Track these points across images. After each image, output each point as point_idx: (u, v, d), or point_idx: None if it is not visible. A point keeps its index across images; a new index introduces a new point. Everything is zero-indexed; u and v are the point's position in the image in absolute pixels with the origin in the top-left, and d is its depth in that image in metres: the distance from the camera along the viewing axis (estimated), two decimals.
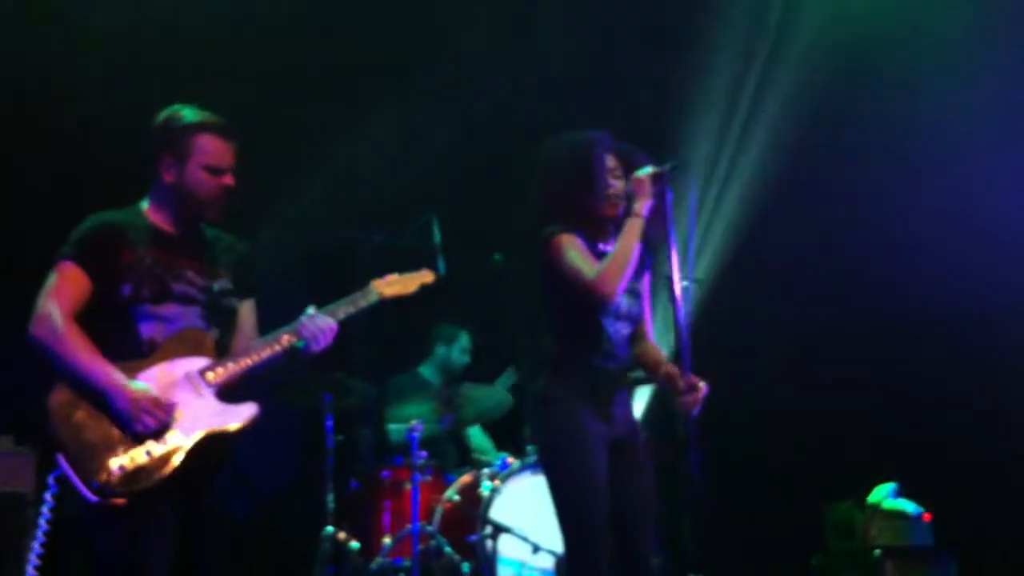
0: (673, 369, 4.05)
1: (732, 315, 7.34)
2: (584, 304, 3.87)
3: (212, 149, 3.51)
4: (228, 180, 3.53)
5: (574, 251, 3.86)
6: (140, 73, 6.11)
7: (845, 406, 7.09)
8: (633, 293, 4.05)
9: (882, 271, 7.17)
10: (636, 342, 4.14)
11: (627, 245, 3.82)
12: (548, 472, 3.97)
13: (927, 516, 6.38)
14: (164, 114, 3.57)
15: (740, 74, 7.22)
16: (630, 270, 3.82)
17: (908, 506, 6.38)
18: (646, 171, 3.92)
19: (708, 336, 7.19)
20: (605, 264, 3.79)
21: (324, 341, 3.55)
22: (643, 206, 3.87)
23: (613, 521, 3.85)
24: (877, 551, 6.15)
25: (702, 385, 3.95)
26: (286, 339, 3.52)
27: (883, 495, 6.45)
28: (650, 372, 4.19)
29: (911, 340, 7.00)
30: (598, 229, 4.02)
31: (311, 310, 3.58)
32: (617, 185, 3.99)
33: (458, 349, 6.83)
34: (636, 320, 4.08)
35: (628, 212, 3.90)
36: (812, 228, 7.28)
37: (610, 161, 4.03)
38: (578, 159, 3.99)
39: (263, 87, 6.62)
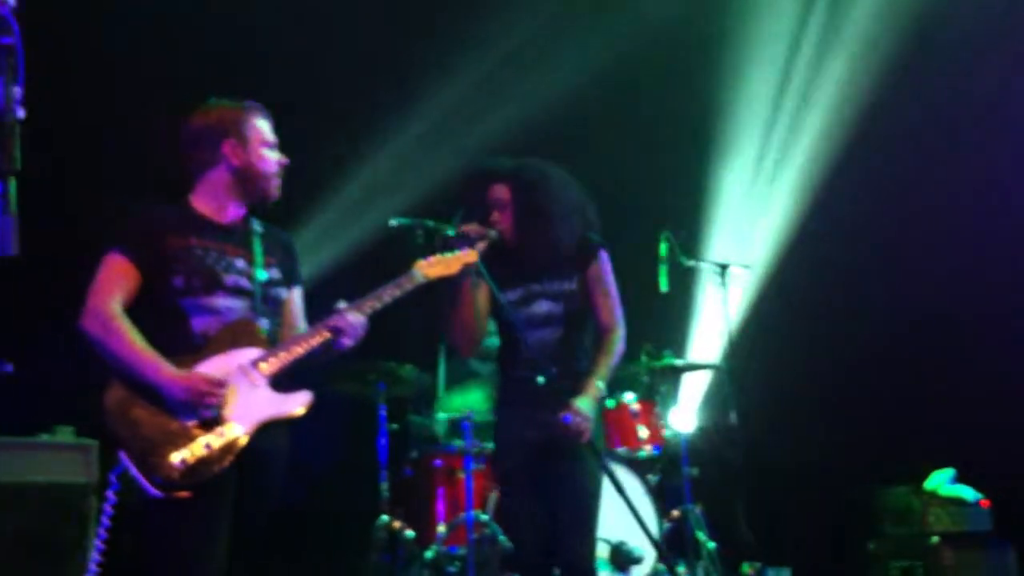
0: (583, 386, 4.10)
1: (787, 300, 7.31)
2: (503, 323, 4.22)
3: (267, 128, 3.63)
4: (283, 156, 3.65)
5: None
6: (186, 70, 6.17)
7: (902, 391, 7.03)
8: (552, 297, 4.16)
9: (942, 255, 7.10)
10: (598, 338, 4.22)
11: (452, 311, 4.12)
12: None
13: (985, 502, 6.32)
14: (208, 105, 3.63)
15: (791, 60, 7.17)
16: (463, 330, 4.15)
17: (966, 492, 6.32)
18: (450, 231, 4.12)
19: (762, 321, 7.21)
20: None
21: (354, 336, 3.57)
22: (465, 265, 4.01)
23: (550, 519, 4.02)
24: (935, 537, 6.10)
25: (570, 412, 3.94)
26: (323, 332, 3.54)
27: (941, 481, 6.39)
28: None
29: (971, 324, 6.92)
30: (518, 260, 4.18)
31: (342, 304, 3.60)
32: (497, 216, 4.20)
33: None
34: (561, 321, 4.14)
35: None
36: (869, 211, 7.22)
37: (498, 192, 4.20)
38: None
39: (314, 77, 6.65)
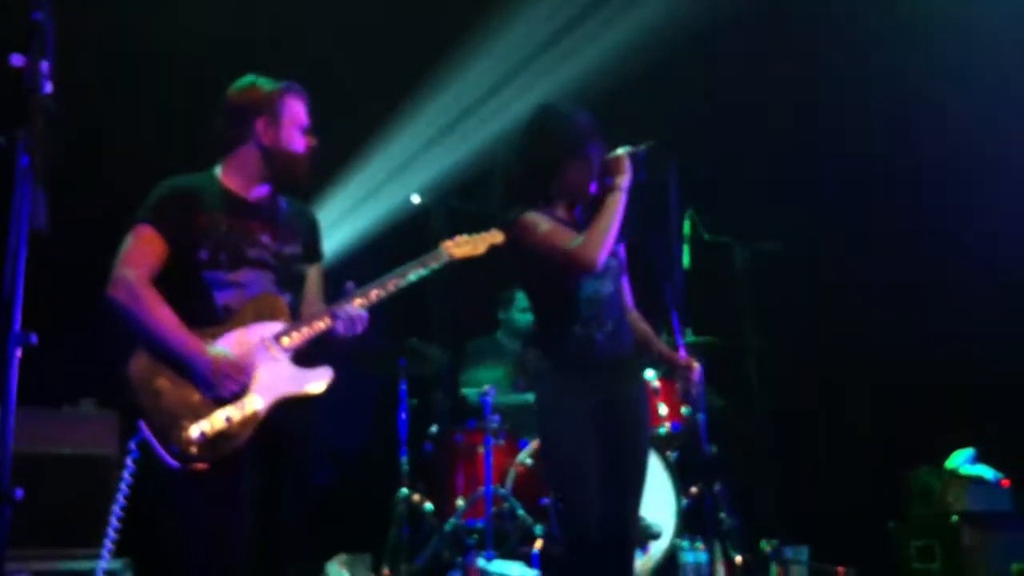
0: (666, 349, 4.13)
1: (807, 279, 7.30)
2: (559, 275, 3.89)
3: (301, 110, 3.62)
4: (313, 139, 3.64)
5: (546, 225, 3.89)
6: (207, 45, 6.19)
7: (923, 370, 7.01)
8: (613, 254, 4.03)
9: (976, 234, 7.07)
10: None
11: (611, 216, 3.84)
12: (542, 445, 4.08)
13: (1006, 482, 6.30)
14: (246, 82, 3.64)
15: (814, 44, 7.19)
16: (612, 241, 3.84)
17: (986, 471, 6.31)
18: (624, 150, 3.96)
19: (783, 301, 7.19)
20: (589, 234, 3.82)
21: (354, 329, 3.55)
22: (624, 181, 3.90)
23: (601, 481, 3.82)
24: (954, 516, 6.09)
25: (696, 364, 4.02)
26: (326, 320, 3.53)
27: (961, 460, 6.38)
28: (640, 348, 4.13)
29: (990, 305, 6.89)
30: (566, 206, 4.05)
31: (350, 285, 3.59)
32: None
33: (516, 310, 6.81)
34: (617, 277, 4.05)
35: (608, 187, 3.92)
36: (895, 191, 7.19)
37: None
38: (576, 137, 3.98)
39: (333, 53, 6.66)
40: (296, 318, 3.55)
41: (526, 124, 4.09)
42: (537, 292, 4.02)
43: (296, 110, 3.60)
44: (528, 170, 4.00)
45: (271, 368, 3.42)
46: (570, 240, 3.84)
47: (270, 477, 3.39)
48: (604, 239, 3.80)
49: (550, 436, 3.92)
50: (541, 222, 3.89)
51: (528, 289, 4.09)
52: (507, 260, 4.00)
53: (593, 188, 3.97)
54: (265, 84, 3.62)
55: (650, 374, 6.07)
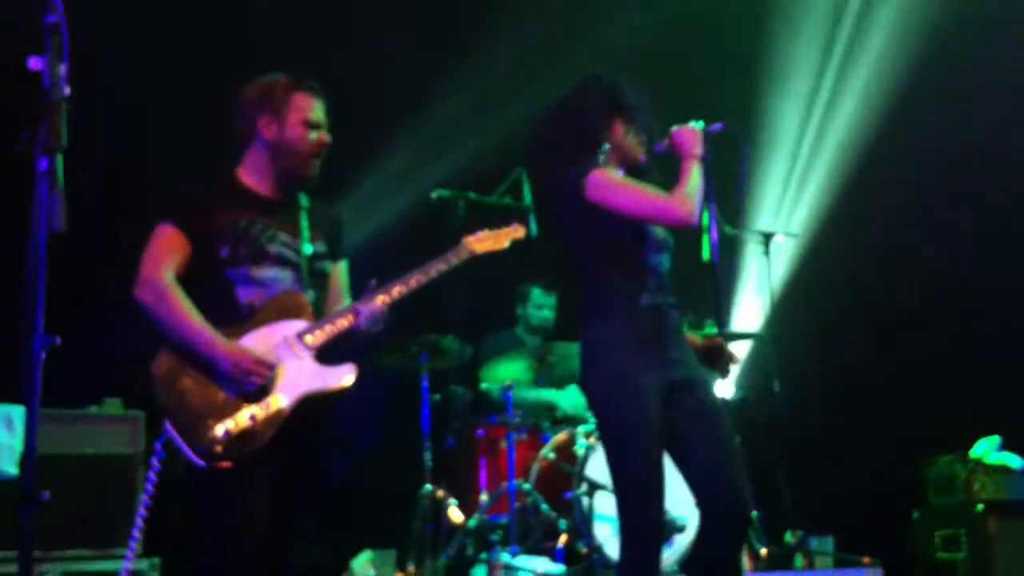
0: (696, 340, 3.89)
1: (832, 267, 7.28)
2: (625, 239, 3.64)
3: (308, 105, 3.56)
4: (324, 136, 3.58)
5: (625, 181, 3.68)
6: (228, 43, 6.20)
7: (948, 359, 6.98)
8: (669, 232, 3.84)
9: (988, 219, 7.04)
10: None
11: (696, 179, 3.61)
12: (599, 423, 3.76)
13: None
14: (258, 80, 3.63)
15: (828, 42, 7.18)
16: (702, 202, 3.62)
17: (1012, 460, 6.28)
18: (698, 125, 3.76)
19: (808, 289, 7.18)
20: (680, 190, 3.57)
21: (377, 326, 3.52)
22: (697, 151, 3.67)
23: (692, 469, 3.58)
24: (980, 505, 6.07)
25: (733, 351, 3.87)
26: (349, 318, 3.51)
27: (986, 449, 6.35)
28: None
29: (1017, 289, 6.86)
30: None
31: (372, 283, 3.57)
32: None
33: (532, 306, 6.80)
34: (671, 251, 3.80)
35: (683, 156, 3.68)
36: (912, 178, 7.17)
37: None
38: (621, 96, 3.79)
39: (350, 49, 6.67)
40: (320, 315, 3.55)
41: (573, 87, 3.89)
42: (599, 256, 3.68)
43: (302, 105, 3.55)
44: (578, 127, 3.77)
45: (295, 366, 3.42)
46: (658, 193, 3.62)
47: (283, 470, 3.39)
48: (696, 196, 3.57)
49: (617, 414, 3.56)
50: (619, 176, 3.69)
51: (585, 257, 3.71)
52: (546, 234, 3.87)
53: (644, 157, 3.80)
54: (272, 80, 3.60)
55: None
